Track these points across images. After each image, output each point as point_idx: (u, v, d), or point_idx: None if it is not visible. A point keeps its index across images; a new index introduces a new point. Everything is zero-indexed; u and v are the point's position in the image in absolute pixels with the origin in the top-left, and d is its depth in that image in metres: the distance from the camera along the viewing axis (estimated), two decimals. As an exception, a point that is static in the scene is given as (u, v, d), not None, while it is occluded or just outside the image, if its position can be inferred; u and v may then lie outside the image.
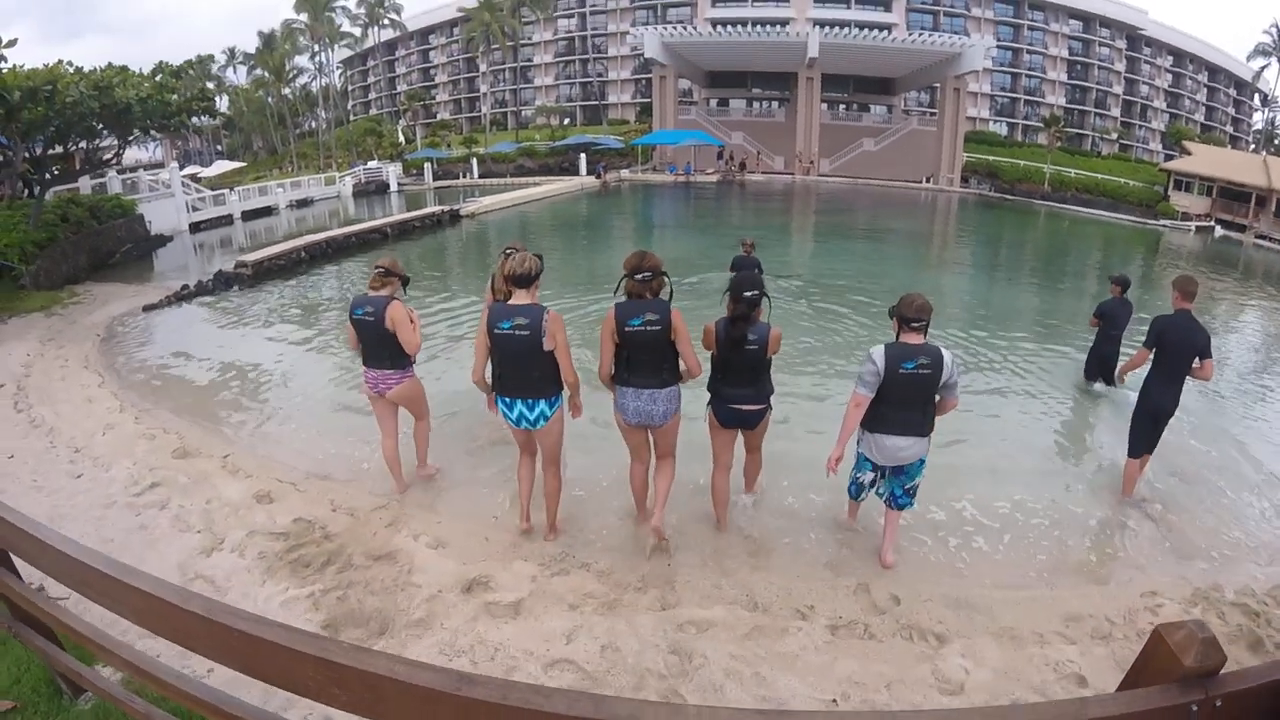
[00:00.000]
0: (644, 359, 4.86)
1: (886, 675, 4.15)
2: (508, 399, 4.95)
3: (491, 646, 4.29)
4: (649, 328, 4.71)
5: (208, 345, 11.58)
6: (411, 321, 5.72)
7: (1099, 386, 9.53)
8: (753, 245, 12.12)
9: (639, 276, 4.73)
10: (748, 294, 4.82)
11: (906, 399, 4.74)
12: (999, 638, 4.57)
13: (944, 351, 4.69)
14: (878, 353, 4.71)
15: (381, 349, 5.72)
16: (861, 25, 61.48)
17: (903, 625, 4.65)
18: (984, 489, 6.65)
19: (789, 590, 5.00)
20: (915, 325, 4.68)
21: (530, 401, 4.90)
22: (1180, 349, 6.07)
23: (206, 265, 21.39)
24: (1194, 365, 6.10)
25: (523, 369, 4.82)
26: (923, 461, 5.05)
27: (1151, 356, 6.26)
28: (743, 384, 5.08)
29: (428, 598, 4.77)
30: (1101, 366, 9.46)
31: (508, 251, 5.18)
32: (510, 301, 4.81)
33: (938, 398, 4.83)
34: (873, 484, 5.27)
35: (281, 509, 5.97)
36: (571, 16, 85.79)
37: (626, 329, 4.74)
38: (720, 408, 5.22)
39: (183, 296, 15.36)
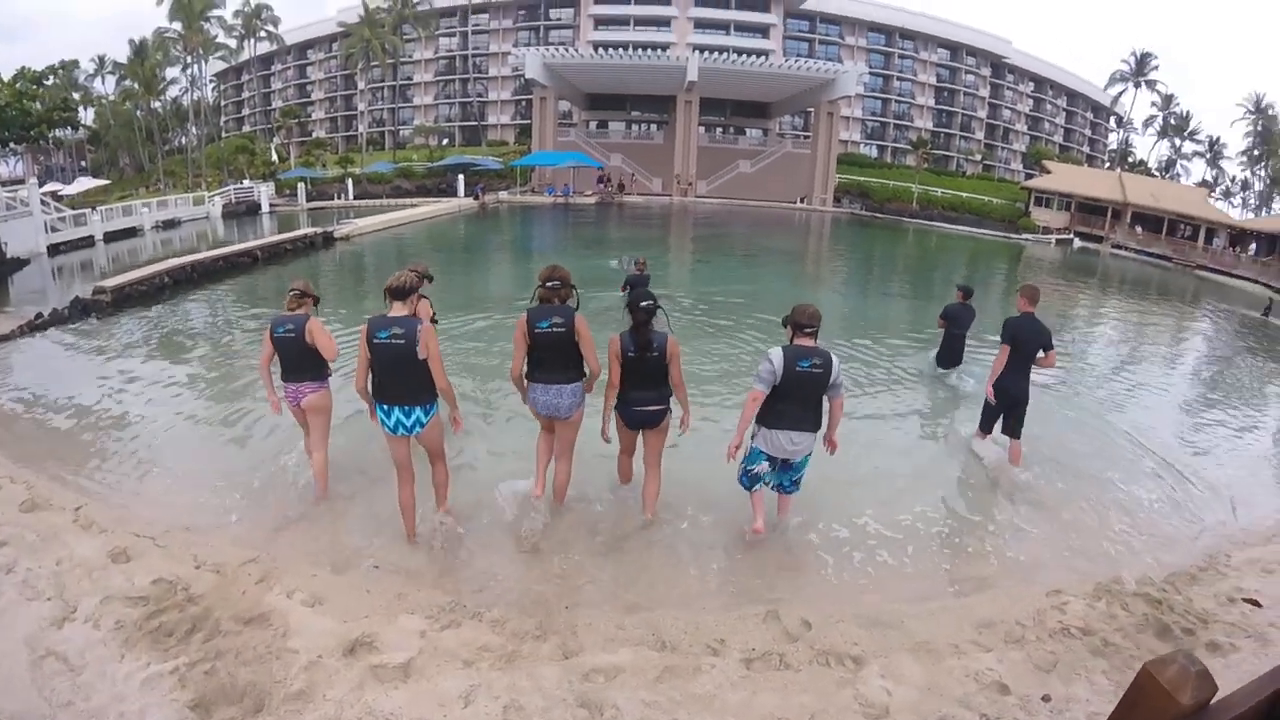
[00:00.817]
0: (551, 358, 5.47)
1: (809, 706, 3.86)
2: (385, 405, 5.22)
3: (381, 717, 3.80)
4: (555, 329, 5.33)
5: (62, 381, 10.38)
6: (326, 334, 6.12)
7: (952, 375, 10.62)
8: (645, 264, 13.06)
9: (549, 284, 5.41)
10: (644, 304, 5.36)
11: (802, 396, 5.23)
12: (916, 653, 4.40)
13: (833, 355, 5.21)
14: (775, 353, 5.18)
15: (302, 362, 6.11)
16: (740, 51, 63.08)
17: (818, 651, 4.41)
18: (883, 499, 6.65)
19: (696, 624, 4.71)
20: (808, 330, 5.21)
21: (407, 408, 5.20)
22: (1028, 344, 7.13)
23: (66, 290, 19.69)
24: (1039, 356, 7.17)
25: (399, 376, 5.13)
26: (808, 456, 5.52)
27: (1008, 352, 7.21)
28: (646, 387, 5.55)
29: (306, 665, 4.20)
30: (951, 357, 10.57)
31: (412, 269, 5.86)
32: (389, 313, 5.14)
33: (826, 398, 5.31)
34: (763, 475, 5.60)
35: (140, 568, 5.26)
36: (453, 35, 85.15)
37: (536, 330, 5.35)
38: (626, 410, 5.66)
39: (36, 326, 13.85)
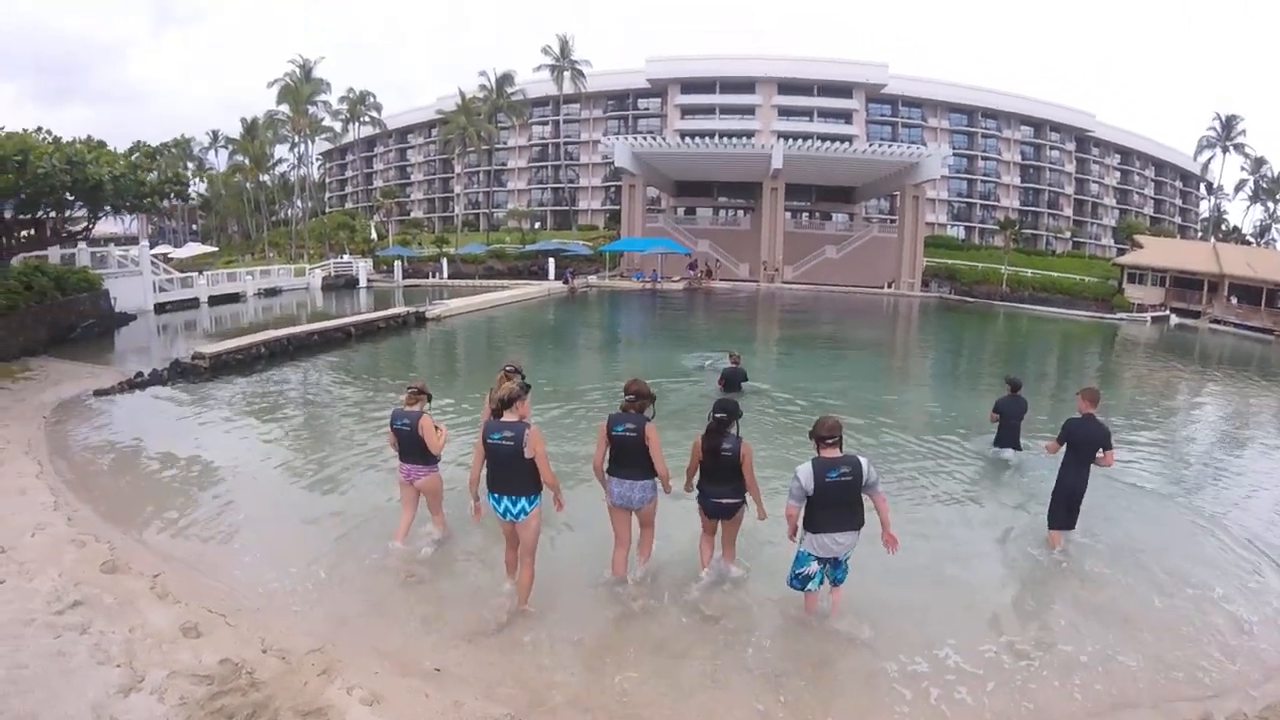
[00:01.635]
0: (625, 456, 6.37)
1: None
2: (496, 494, 6.05)
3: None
4: (629, 434, 6.28)
5: (155, 442, 11.07)
6: (437, 429, 7.26)
7: (1009, 453, 11.21)
8: (738, 357, 15.02)
9: (627, 398, 6.38)
10: (718, 415, 6.25)
11: (839, 501, 5.64)
12: None
13: (861, 459, 5.65)
14: (804, 470, 5.66)
15: (414, 450, 7.18)
16: (823, 137, 63.86)
17: None
18: (964, 627, 6.37)
19: None
20: (829, 441, 5.68)
21: (514, 498, 6.00)
22: (1086, 444, 7.71)
23: (168, 349, 20.96)
24: (1098, 456, 7.68)
25: (509, 472, 5.96)
26: (849, 551, 5.90)
27: (1063, 450, 7.90)
28: (721, 482, 6.36)
29: None
30: (1008, 440, 11.24)
31: (506, 369, 7.61)
32: (501, 419, 5.98)
33: (865, 497, 5.71)
34: (814, 576, 5.95)
35: (209, 645, 5.45)
36: (546, 124, 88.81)
37: (613, 434, 6.34)
38: (705, 502, 6.52)
39: (136, 384, 14.91)
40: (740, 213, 71.01)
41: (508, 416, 6.02)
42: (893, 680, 5.53)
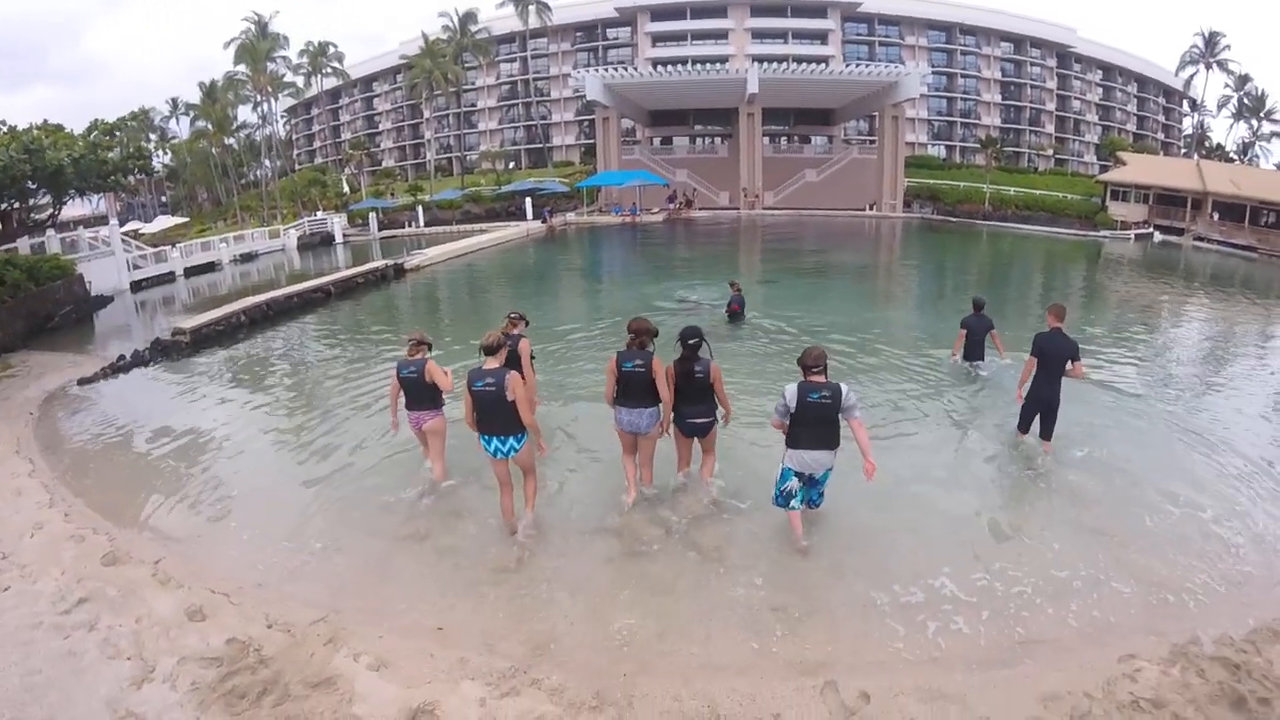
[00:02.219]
0: (633, 389, 6.89)
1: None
2: (487, 436, 6.55)
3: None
4: (637, 369, 6.81)
5: (143, 425, 10.94)
6: (444, 374, 7.65)
7: (980, 366, 11.92)
8: (739, 286, 16.24)
9: (630, 335, 6.93)
10: (690, 341, 6.81)
11: (817, 421, 6.19)
12: None
13: (842, 386, 6.14)
14: (790, 389, 6.23)
15: (423, 395, 7.63)
16: (799, 59, 62.75)
17: None
18: (954, 554, 6.47)
19: (754, 696, 4.69)
20: (815, 370, 6.19)
21: (503, 437, 6.53)
22: (1055, 356, 8.18)
23: (148, 327, 20.65)
24: (1068, 367, 8.18)
25: (495, 415, 6.44)
26: (829, 471, 6.49)
27: (1035, 363, 8.31)
28: (694, 402, 6.98)
29: None
30: (973, 354, 11.98)
31: (511, 316, 8.77)
32: (485, 365, 6.49)
33: (844, 420, 6.20)
34: (795, 493, 6.49)
35: (214, 627, 5.54)
36: (513, 61, 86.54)
37: (623, 369, 6.86)
38: (681, 424, 7.13)
39: (119, 368, 14.63)
40: (717, 140, 69.97)
41: (490, 363, 6.48)
42: (885, 613, 5.64)
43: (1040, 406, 8.41)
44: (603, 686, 4.80)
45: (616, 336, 13.21)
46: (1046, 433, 8.49)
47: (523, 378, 6.90)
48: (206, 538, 7.28)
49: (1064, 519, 7.17)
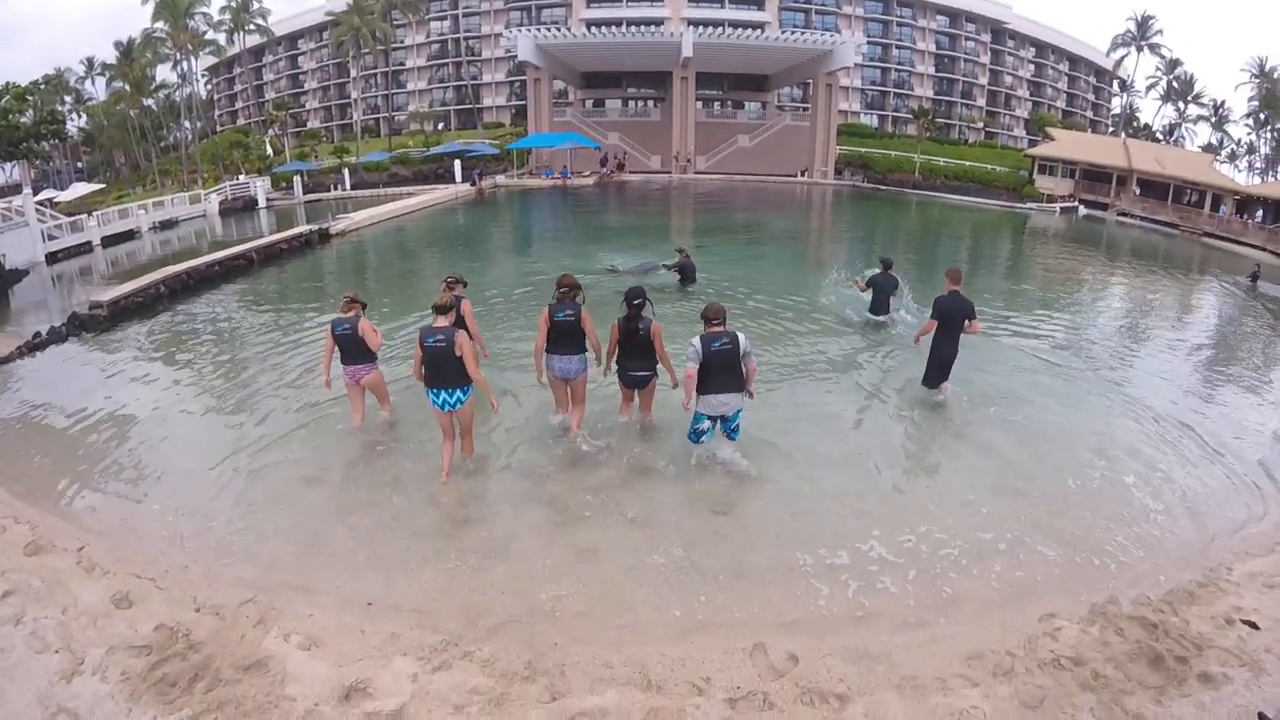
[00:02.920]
0: (565, 338, 7.55)
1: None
2: (435, 389, 7.04)
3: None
4: (568, 319, 7.48)
5: (63, 405, 10.27)
6: (374, 332, 8.14)
7: (884, 318, 12.98)
8: (686, 251, 16.75)
9: (560, 290, 7.59)
10: (635, 301, 7.39)
11: (722, 368, 6.85)
12: (901, 689, 4.35)
13: (740, 335, 6.93)
14: (696, 340, 6.91)
15: (358, 351, 8.10)
16: (735, 24, 62.31)
17: (803, 689, 4.36)
18: (886, 518, 6.58)
19: (684, 660, 4.70)
20: (715, 322, 6.93)
21: (450, 390, 7.02)
22: (954, 316, 8.83)
23: (66, 300, 19.60)
24: (966, 325, 8.82)
25: (443, 370, 6.93)
26: (739, 411, 7.15)
27: (936, 324, 8.94)
28: (636, 358, 7.64)
29: (304, 713, 4.32)
30: (879, 310, 13.07)
31: (449, 280, 8.85)
32: (435, 323, 6.99)
33: (744, 367, 6.93)
34: (706, 431, 7.27)
35: (142, 614, 5.31)
36: (444, 19, 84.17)
37: (555, 319, 7.49)
38: (624, 375, 7.86)
39: (36, 346, 13.64)
40: (650, 104, 69.07)
41: (440, 321, 6.98)
42: (811, 575, 5.74)
43: (943, 362, 9.15)
44: (534, 656, 4.80)
45: (539, 299, 12.98)
46: (946, 376, 9.28)
47: (470, 335, 7.46)
48: (131, 521, 6.99)
49: (988, 482, 7.26)
